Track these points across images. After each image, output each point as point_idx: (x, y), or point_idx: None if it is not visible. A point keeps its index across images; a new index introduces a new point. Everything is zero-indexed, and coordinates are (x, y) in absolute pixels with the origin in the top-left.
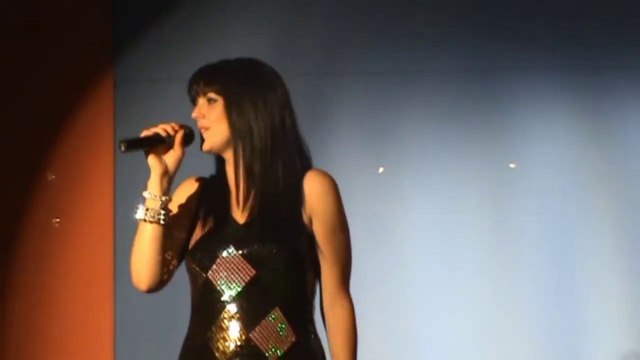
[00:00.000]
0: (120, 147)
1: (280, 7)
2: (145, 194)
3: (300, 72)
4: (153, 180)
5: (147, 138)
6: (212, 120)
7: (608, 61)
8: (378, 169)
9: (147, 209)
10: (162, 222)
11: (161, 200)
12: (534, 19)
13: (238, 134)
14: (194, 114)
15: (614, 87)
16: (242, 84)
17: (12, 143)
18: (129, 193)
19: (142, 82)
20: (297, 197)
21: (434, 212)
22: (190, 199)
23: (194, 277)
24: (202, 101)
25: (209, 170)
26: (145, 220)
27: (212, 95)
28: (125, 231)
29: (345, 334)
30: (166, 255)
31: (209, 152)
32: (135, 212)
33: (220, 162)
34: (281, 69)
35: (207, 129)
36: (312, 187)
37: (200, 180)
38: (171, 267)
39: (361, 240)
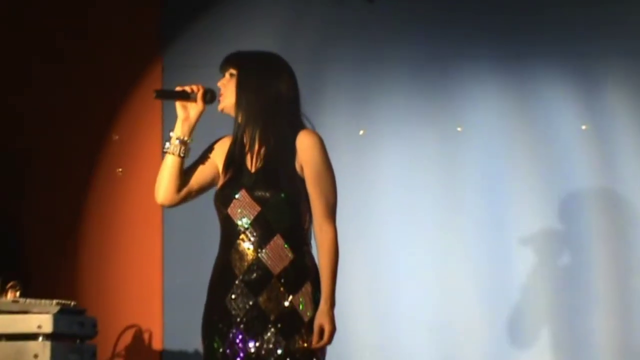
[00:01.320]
0: (153, 95)
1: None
2: (170, 133)
3: (301, 59)
4: (177, 124)
5: (175, 92)
6: (228, 89)
7: (529, 50)
8: (359, 131)
9: (169, 145)
10: (180, 155)
11: (180, 140)
12: (479, 15)
13: (240, 101)
14: (218, 84)
15: (534, 70)
16: (254, 67)
17: (87, 114)
18: None
19: (188, 67)
20: (291, 151)
21: (401, 168)
22: (219, 150)
23: (218, 213)
24: (226, 75)
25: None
26: (167, 152)
27: (232, 71)
28: None
29: (329, 253)
30: (182, 182)
31: (221, 111)
32: (163, 147)
33: (238, 129)
34: (288, 52)
35: (222, 95)
36: (302, 142)
37: (229, 138)
38: (187, 192)
39: (345, 188)
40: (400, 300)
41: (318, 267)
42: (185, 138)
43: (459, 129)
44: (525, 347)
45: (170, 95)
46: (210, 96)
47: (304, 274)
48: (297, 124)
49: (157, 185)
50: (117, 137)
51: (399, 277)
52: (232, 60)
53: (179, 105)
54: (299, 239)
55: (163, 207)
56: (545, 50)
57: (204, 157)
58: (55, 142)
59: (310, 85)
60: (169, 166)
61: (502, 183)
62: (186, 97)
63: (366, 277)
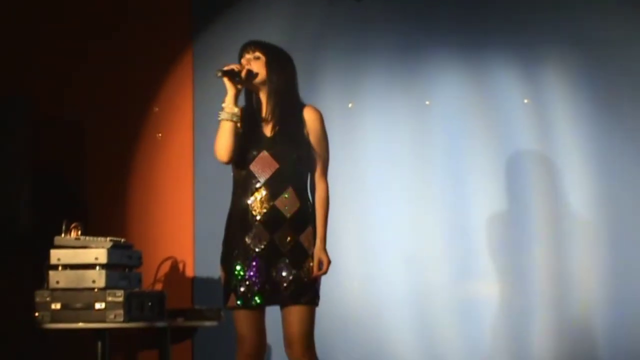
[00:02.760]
0: (217, 74)
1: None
2: (224, 105)
3: (302, 46)
4: (229, 97)
5: (230, 70)
6: (257, 68)
7: (482, 38)
8: (349, 104)
9: (225, 114)
10: (233, 120)
11: (234, 110)
12: (443, 11)
13: (270, 78)
14: (244, 62)
15: (486, 55)
16: (277, 53)
17: (134, 89)
18: (202, 121)
19: (215, 50)
20: (300, 120)
21: (382, 133)
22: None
23: (240, 169)
24: (249, 56)
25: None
26: (224, 119)
27: (258, 54)
28: (203, 153)
29: (323, 203)
30: (236, 143)
31: (254, 80)
32: (219, 116)
33: (251, 99)
34: (292, 40)
35: (252, 71)
36: (309, 114)
37: (241, 108)
38: (237, 150)
39: (337, 149)
40: (381, 239)
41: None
42: (236, 108)
43: (427, 102)
44: (478, 277)
45: (227, 73)
46: (252, 76)
47: (307, 218)
48: (300, 100)
49: (219, 147)
50: (157, 109)
51: (380, 221)
52: (259, 45)
53: (227, 81)
54: (304, 191)
55: (225, 163)
56: (495, 38)
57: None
58: (109, 112)
59: (309, 67)
60: (228, 130)
61: (462, 146)
62: (235, 75)
63: (353, 222)
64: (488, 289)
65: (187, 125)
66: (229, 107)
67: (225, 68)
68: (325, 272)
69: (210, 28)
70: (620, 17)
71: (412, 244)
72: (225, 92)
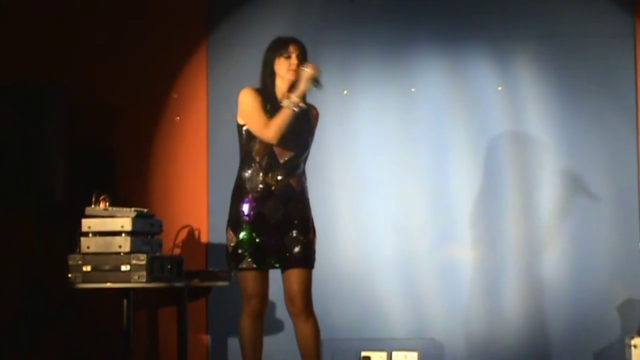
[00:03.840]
0: (318, 87)
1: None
2: (294, 96)
3: (304, 39)
4: (300, 92)
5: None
6: (293, 62)
7: (462, 32)
8: (344, 91)
9: (293, 104)
10: (295, 109)
11: (300, 103)
12: (427, 8)
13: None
14: (288, 67)
15: (465, 47)
16: (305, 53)
17: (157, 78)
18: (215, 106)
19: (228, 44)
20: (308, 116)
21: (373, 116)
22: (259, 97)
23: (264, 150)
24: (294, 55)
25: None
26: (288, 107)
27: (298, 54)
28: (216, 134)
29: None
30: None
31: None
32: (283, 103)
33: (271, 82)
34: (295, 34)
35: (295, 72)
36: (315, 114)
37: (257, 89)
38: None
39: (334, 131)
40: (372, 209)
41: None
42: (301, 103)
43: (413, 89)
44: (457, 243)
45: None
46: (318, 84)
47: (307, 196)
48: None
49: (278, 130)
50: (175, 96)
51: (371, 193)
52: (301, 46)
53: (308, 81)
54: (305, 171)
55: (274, 144)
56: (473, 33)
57: (258, 101)
58: (134, 97)
59: (309, 58)
60: (290, 117)
61: (443, 127)
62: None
63: (347, 194)
64: (466, 253)
65: (202, 110)
66: (299, 100)
67: (312, 74)
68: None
69: (222, 25)
70: (584, 13)
71: (400, 213)
72: (236, 84)
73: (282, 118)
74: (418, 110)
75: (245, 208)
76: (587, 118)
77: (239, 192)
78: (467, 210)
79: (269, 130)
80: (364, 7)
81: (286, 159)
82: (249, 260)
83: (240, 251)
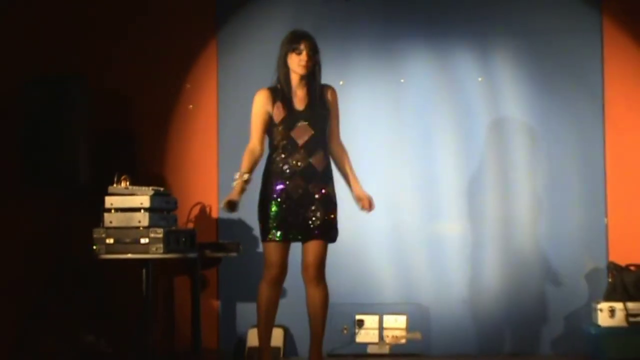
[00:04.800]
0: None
1: None
2: (236, 175)
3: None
4: (237, 187)
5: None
6: (307, 64)
7: (447, 29)
8: (340, 82)
9: (237, 179)
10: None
11: (245, 177)
12: (415, 8)
13: (313, 72)
14: (298, 62)
15: (450, 43)
16: (315, 47)
17: (172, 70)
18: (224, 96)
19: (237, 43)
20: (324, 96)
21: (366, 105)
22: (264, 101)
23: (283, 136)
24: (305, 51)
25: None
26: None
27: (309, 51)
28: (225, 122)
29: (349, 159)
30: (261, 151)
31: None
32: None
33: (284, 74)
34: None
35: (305, 68)
36: (330, 93)
37: (269, 89)
38: (264, 138)
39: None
40: (367, 187)
41: (338, 166)
42: (247, 176)
43: (402, 80)
44: (442, 218)
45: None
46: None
47: (331, 173)
48: (321, 82)
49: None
50: (189, 86)
51: (366, 174)
52: (312, 42)
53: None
54: (327, 153)
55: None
56: (456, 30)
57: (261, 111)
58: (151, 88)
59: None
60: (243, 183)
61: (429, 114)
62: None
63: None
64: (450, 228)
65: (213, 98)
66: (241, 176)
67: (225, 203)
68: (373, 206)
69: (230, 22)
70: (557, 12)
71: (391, 192)
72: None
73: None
74: (406, 99)
75: (272, 187)
76: (558, 105)
77: (268, 173)
78: (451, 189)
79: (250, 143)
80: (358, 6)
81: (305, 141)
82: (274, 232)
83: (268, 225)
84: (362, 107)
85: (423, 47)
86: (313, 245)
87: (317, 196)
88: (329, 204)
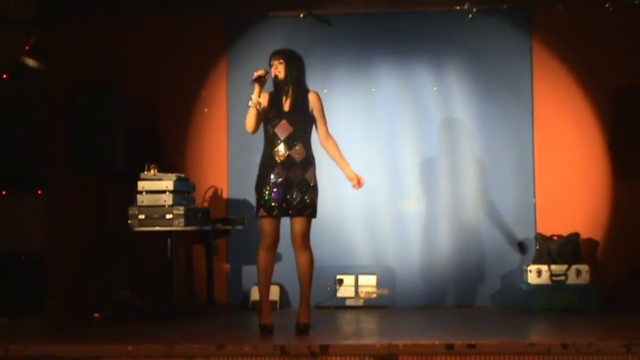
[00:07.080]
0: (251, 83)
1: None
2: (252, 96)
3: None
4: (255, 93)
5: (258, 77)
6: (281, 70)
7: (409, 47)
8: (324, 90)
9: (251, 102)
10: (258, 108)
11: (257, 100)
12: (385, 29)
13: (289, 75)
14: (274, 70)
15: (412, 58)
16: (292, 56)
17: (190, 79)
18: (233, 102)
19: (241, 56)
20: (307, 100)
21: (344, 111)
22: (264, 100)
23: (267, 131)
24: (276, 62)
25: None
26: (251, 107)
27: (281, 60)
28: (233, 122)
29: (338, 148)
30: (259, 121)
31: (275, 78)
32: (248, 104)
33: (276, 87)
34: (291, 39)
35: (278, 71)
36: (312, 96)
37: (269, 93)
38: (260, 124)
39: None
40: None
41: (332, 156)
42: (258, 99)
43: (373, 89)
44: (406, 197)
45: (256, 80)
46: (266, 79)
47: (309, 162)
48: (306, 87)
49: (248, 124)
50: (204, 93)
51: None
52: (282, 53)
53: (256, 83)
54: (307, 145)
55: (251, 134)
56: (416, 48)
57: (265, 104)
58: (173, 94)
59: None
60: (254, 114)
61: (395, 116)
62: (261, 79)
63: (327, 164)
64: (411, 206)
65: (223, 103)
66: (255, 99)
67: (255, 75)
68: (362, 184)
69: (237, 42)
70: (495, 35)
71: (365, 177)
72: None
73: (248, 114)
74: (377, 104)
75: (263, 175)
76: (496, 108)
77: (262, 163)
78: (412, 176)
79: (245, 124)
80: (339, 29)
81: (285, 136)
82: (264, 212)
83: (261, 206)
84: (341, 110)
85: (391, 63)
86: (296, 221)
87: (295, 182)
88: (307, 187)
